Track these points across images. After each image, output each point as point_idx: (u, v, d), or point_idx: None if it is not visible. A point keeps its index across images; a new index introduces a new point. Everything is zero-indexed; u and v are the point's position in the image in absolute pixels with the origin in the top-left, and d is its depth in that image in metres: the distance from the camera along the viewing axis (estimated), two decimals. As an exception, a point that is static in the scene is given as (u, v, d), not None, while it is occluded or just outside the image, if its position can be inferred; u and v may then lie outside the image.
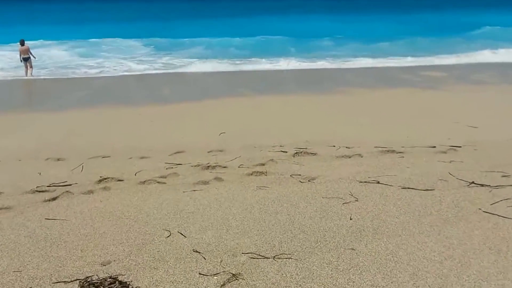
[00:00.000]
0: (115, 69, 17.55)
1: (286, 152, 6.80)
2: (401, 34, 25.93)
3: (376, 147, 6.88)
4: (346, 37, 25.61)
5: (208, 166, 6.22)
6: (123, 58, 20.32)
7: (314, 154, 6.63)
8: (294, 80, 14.82)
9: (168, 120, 9.65)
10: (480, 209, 4.38)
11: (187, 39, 26.37)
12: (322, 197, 4.80)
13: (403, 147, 6.82)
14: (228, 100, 11.76)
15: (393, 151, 6.57)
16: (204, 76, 15.89)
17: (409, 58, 19.10)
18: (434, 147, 6.73)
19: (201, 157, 6.75)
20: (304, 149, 6.86)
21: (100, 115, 10.41)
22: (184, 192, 5.10)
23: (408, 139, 7.32)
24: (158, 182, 5.52)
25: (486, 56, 19.38)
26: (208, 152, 7.09)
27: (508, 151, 6.35)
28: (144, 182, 5.53)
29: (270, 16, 45.31)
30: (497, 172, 5.45)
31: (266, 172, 5.82)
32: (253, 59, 19.09)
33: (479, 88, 12.15)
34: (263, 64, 17.70)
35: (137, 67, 17.93)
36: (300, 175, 5.68)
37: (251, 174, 5.83)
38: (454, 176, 5.35)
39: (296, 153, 6.70)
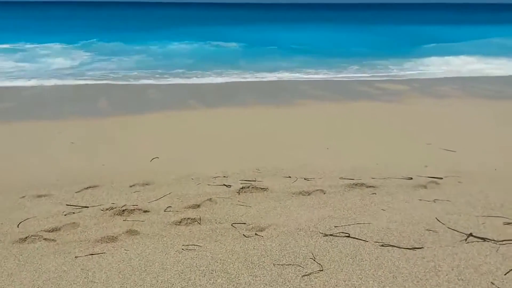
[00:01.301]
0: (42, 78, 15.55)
1: (230, 186, 5.36)
2: (354, 46, 25.17)
3: (341, 178, 5.57)
4: (299, 48, 24.49)
5: (124, 210, 4.69)
6: (56, 65, 18.24)
7: (265, 189, 5.23)
8: (247, 92, 13.44)
9: (93, 140, 8.00)
10: (493, 283, 3.11)
11: (132, 45, 24.54)
12: (274, 264, 3.41)
13: (373, 178, 5.53)
14: (171, 114, 10.21)
15: (362, 185, 5.26)
16: (146, 87, 14.25)
17: (364, 71, 18.19)
18: (411, 178, 5.48)
19: (119, 194, 5.21)
20: (252, 182, 5.46)
21: (3, 133, 8.61)
22: (76, 257, 3.56)
23: (378, 167, 6.05)
24: (46, 239, 3.94)
25: (441, 69, 18.82)
26: (131, 186, 5.55)
27: (499, 185, 5.18)
28: (25, 239, 3.94)
29: (225, 25, 44.13)
30: (496, 217, 4.24)
31: (199, 219, 4.38)
32: (204, 68, 17.56)
33: (445, 102, 11.21)
34: (214, 76, 16.19)
35: (70, 76, 16.00)
36: (244, 223, 4.27)
37: (179, 222, 4.36)
38: (444, 224, 4.09)
39: (242, 188, 5.27)
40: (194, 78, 15.66)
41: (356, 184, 5.28)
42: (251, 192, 5.17)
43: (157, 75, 16.07)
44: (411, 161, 6.25)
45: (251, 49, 24.00)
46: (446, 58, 20.80)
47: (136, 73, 16.51)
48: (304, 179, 5.59)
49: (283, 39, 28.02)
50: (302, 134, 7.99)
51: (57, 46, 24.45)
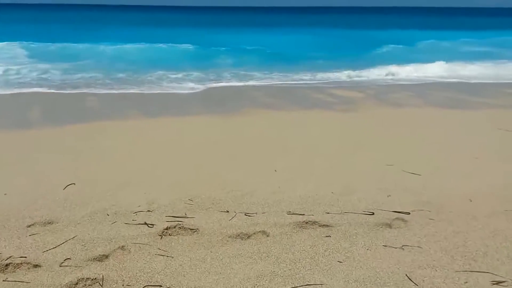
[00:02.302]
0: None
1: (152, 226, 4.31)
2: (308, 50, 24.49)
3: (289, 213, 4.62)
4: (252, 50, 23.52)
5: (8, 265, 3.64)
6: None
7: (195, 230, 4.21)
8: (191, 98, 12.36)
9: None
10: None
11: (75, 44, 22.78)
12: None
13: (328, 213, 4.62)
14: (102, 125, 8.98)
15: (314, 223, 4.34)
16: (81, 96, 12.88)
17: (318, 75, 17.45)
18: (372, 213, 4.61)
19: (10, 239, 4.07)
20: (181, 219, 4.42)
21: None
22: None
23: (333, 196, 5.14)
24: None
25: (396, 74, 18.39)
26: (29, 226, 4.40)
27: (478, 224, 4.38)
28: None
29: (180, 27, 42.68)
30: (481, 272, 3.40)
31: (102, 280, 3.30)
32: (147, 73, 16.21)
33: (402, 111, 10.57)
34: (162, 83, 14.89)
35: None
36: (160, 286, 3.23)
37: (75, 285, 3.28)
38: (417, 284, 3.22)
39: (167, 228, 4.23)
40: (134, 86, 14.31)
41: (306, 222, 4.35)
42: (177, 234, 4.14)
43: (97, 81, 14.64)
44: (371, 189, 5.38)
45: (202, 51, 22.81)
46: (400, 63, 20.40)
47: (73, 79, 14.98)
48: (245, 214, 4.60)
49: (236, 41, 27.03)
50: (247, 151, 7.01)
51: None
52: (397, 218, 4.47)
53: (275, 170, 6.07)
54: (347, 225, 4.31)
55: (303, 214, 4.56)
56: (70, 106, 10.83)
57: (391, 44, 26.37)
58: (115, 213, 4.64)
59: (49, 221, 4.47)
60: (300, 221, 4.37)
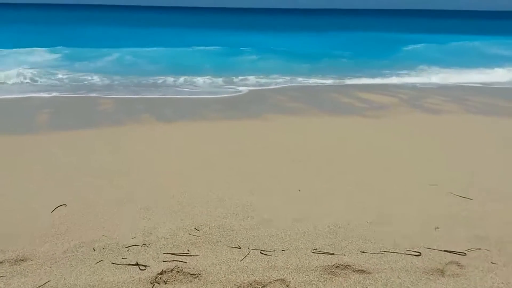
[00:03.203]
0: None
1: (145, 268, 3.49)
2: (333, 50, 23.47)
3: (315, 251, 3.75)
4: (271, 52, 22.53)
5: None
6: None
7: (196, 276, 3.37)
8: (212, 103, 11.59)
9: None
10: None
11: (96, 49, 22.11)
12: None
13: (363, 252, 3.72)
14: (109, 131, 8.27)
15: (346, 267, 3.47)
16: (94, 100, 12.27)
17: (342, 78, 16.46)
18: (419, 254, 3.69)
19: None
20: (181, 258, 3.60)
21: None
22: None
23: (367, 227, 4.23)
24: None
25: (424, 76, 17.28)
26: (-2, 262, 3.63)
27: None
28: None
29: (207, 29, 41.95)
30: None
31: None
32: (164, 76, 15.49)
33: (439, 119, 9.53)
34: (180, 87, 14.17)
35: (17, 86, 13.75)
36: None
37: None
38: None
39: (162, 272, 3.40)
40: (152, 88, 13.63)
41: (337, 267, 3.46)
42: (173, 282, 3.31)
43: (114, 84, 14.03)
44: (413, 217, 4.45)
45: (225, 53, 21.99)
46: (430, 64, 19.25)
47: (90, 81, 14.38)
48: (260, 252, 3.74)
49: (260, 43, 26.22)
50: (266, 165, 6.14)
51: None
52: (450, 262, 3.54)
53: (299, 190, 5.19)
54: (388, 271, 3.41)
55: (333, 254, 3.67)
56: (80, 110, 10.17)
57: (418, 44, 25.08)
58: (104, 248, 3.84)
59: (22, 258, 3.69)
60: (329, 265, 3.48)
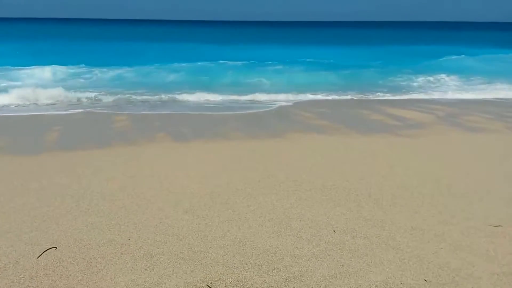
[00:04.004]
0: None
1: None
2: (357, 63, 22.50)
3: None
4: (294, 65, 21.65)
5: None
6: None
7: None
8: (230, 119, 10.82)
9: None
10: None
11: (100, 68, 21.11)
12: None
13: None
14: (123, 152, 7.53)
15: None
16: (108, 116, 11.62)
17: (372, 92, 15.54)
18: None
19: None
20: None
21: None
22: None
23: (424, 285, 3.31)
24: None
25: (462, 90, 16.21)
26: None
27: None
28: None
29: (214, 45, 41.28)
30: None
31: None
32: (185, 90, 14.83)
33: (483, 139, 8.52)
34: (197, 103, 13.45)
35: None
36: None
37: None
38: None
39: None
40: (169, 104, 12.97)
41: None
42: None
43: (129, 100, 13.41)
44: (482, 271, 3.51)
45: (247, 67, 21.19)
46: (465, 78, 18.15)
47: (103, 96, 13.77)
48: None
49: (284, 56, 25.43)
50: (293, 198, 5.25)
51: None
52: None
53: (334, 231, 4.29)
54: None
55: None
56: (92, 128, 9.49)
57: (451, 56, 23.92)
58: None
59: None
60: None
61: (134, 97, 13.58)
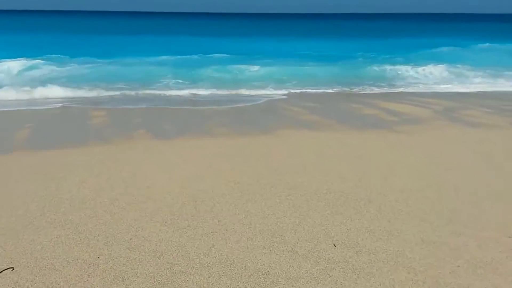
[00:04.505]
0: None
1: None
2: (348, 55, 21.94)
3: None
4: (283, 57, 20.89)
5: None
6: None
7: None
8: (216, 115, 10.26)
9: None
10: None
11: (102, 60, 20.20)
12: None
13: None
14: (100, 151, 6.93)
15: None
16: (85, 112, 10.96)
17: (366, 84, 15.06)
18: None
19: None
20: None
21: None
22: None
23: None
24: None
25: (458, 83, 15.83)
26: None
27: None
28: None
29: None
30: None
31: None
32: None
33: (484, 135, 8.07)
34: (181, 97, 12.77)
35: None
36: None
37: None
38: None
39: None
40: (151, 98, 12.32)
41: None
42: None
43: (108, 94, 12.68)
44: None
45: (234, 60, 20.40)
46: (460, 70, 17.75)
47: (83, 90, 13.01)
48: None
49: (274, 49, 24.70)
50: (286, 204, 4.72)
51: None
52: None
53: (334, 245, 3.77)
54: None
55: None
56: (67, 124, 8.85)
57: (444, 47, 23.43)
58: None
59: None
60: None
61: (113, 91, 12.86)
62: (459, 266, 3.40)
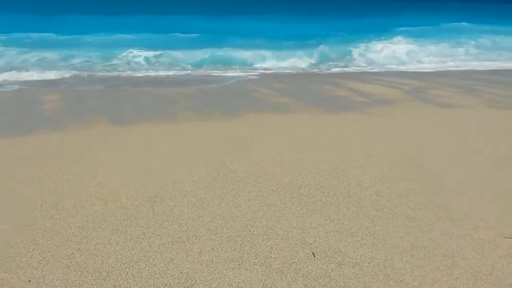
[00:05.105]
0: None
1: None
2: (318, 34, 21.32)
3: None
4: (253, 38, 19.97)
5: None
6: None
7: None
8: (182, 98, 9.59)
9: None
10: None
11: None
12: None
13: None
14: (49, 139, 6.20)
15: None
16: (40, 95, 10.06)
17: (333, 63, 14.62)
18: None
19: None
20: None
21: None
22: None
23: None
24: None
25: (424, 61, 15.61)
26: None
27: None
28: None
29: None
30: None
31: None
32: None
33: (460, 115, 7.75)
34: (145, 78, 11.99)
35: None
36: None
37: None
38: None
39: None
40: (111, 81, 11.49)
41: None
42: None
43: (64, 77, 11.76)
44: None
45: (203, 40, 19.44)
46: (425, 49, 17.49)
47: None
48: None
49: (244, 29, 23.73)
50: (255, 200, 4.19)
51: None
52: None
53: (314, 255, 3.27)
54: None
55: None
56: (13, 109, 8.01)
57: (410, 27, 23.12)
58: None
59: None
60: None
61: (69, 71, 11.94)
62: (457, 278, 2.96)
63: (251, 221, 3.78)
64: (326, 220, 3.81)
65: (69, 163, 5.17)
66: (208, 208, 4.02)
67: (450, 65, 15.02)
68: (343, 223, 3.75)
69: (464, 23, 26.48)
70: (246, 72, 12.79)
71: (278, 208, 4.05)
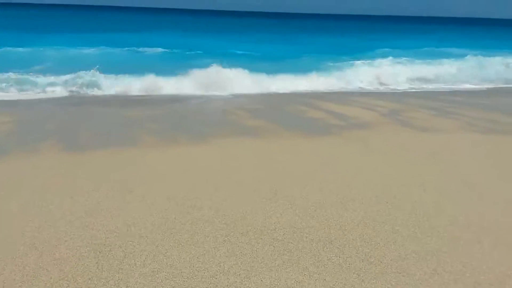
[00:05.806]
0: None
1: None
2: (295, 54, 20.94)
3: None
4: (226, 56, 19.07)
5: None
6: None
7: None
8: (142, 119, 8.92)
9: None
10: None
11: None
12: None
13: None
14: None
15: None
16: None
17: (311, 83, 14.18)
18: None
19: None
20: None
21: None
22: None
23: None
24: None
25: (401, 82, 15.40)
26: None
27: None
28: None
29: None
30: None
31: None
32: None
33: (440, 140, 7.34)
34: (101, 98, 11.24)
35: None
36: None
37: None
38: None
39: None
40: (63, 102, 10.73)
41: None
42: None
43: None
44: None
45: (172, 56, 18.76)
46: (402, 70, 17.27)
47: None
48: None
49: (218, 46, 23.09)
50: (221, 248, 3.57)
51: None
52: None
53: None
54: None
55: None
56: None
57: (386, 48, 23.02)
58: None
59: None
60: None
61: (21, 92, 11.08)
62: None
63: (216, 278, 3.15)
64: (305, 275, 3.22)
65: (8, 199, 4.44)
66: (164, 261, 3.37)
67: (428, 86, 14.85)
68: (325, 279, 3.17)
69: (448, 47, 26.49)
70: (217, 91, 12.20)
71: (249, 258, 3.44)
